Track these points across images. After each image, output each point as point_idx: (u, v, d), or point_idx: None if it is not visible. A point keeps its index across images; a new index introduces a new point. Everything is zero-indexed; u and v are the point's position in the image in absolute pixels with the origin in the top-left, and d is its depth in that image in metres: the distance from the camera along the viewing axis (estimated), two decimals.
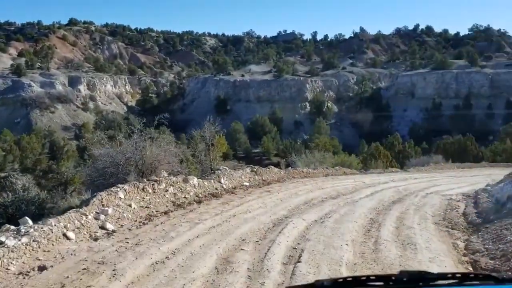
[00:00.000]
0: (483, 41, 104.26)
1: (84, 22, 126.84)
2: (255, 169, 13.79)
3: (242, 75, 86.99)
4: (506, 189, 11.41)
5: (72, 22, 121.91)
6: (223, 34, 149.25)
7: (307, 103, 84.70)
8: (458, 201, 12.91)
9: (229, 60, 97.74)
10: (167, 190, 9.16)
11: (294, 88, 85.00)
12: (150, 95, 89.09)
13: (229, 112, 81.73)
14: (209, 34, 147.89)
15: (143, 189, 8.67)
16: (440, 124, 74.48)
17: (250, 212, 8.77)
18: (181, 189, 9.56)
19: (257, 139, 72.84)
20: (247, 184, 12.18)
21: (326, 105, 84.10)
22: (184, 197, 9.32)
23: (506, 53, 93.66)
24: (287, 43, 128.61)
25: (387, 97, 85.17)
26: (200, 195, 9.76)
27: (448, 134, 55.72)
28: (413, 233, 7.94)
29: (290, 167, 16.89)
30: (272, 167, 15.00)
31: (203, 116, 76.51)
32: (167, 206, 8.57)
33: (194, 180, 10.21)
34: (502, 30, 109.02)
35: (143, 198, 8.47)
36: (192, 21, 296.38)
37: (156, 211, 8.13)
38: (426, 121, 76.89)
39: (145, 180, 9.15)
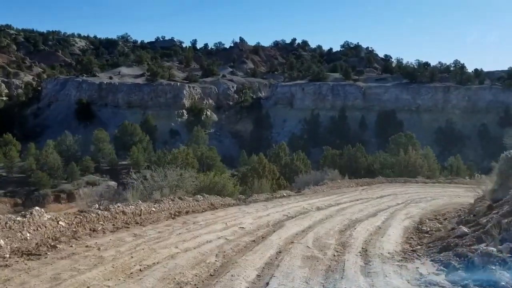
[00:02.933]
0: (354, 57, 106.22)
1: None
2: None
3: (110, 77, 75.48)
4: None
5: None
6: (95, 36, 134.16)
7: (184, 111, 76.34)
8: None
9: (95, 60, 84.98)
10: None
11: (170, 93, 76.00)
12: None
13: (94, 118, 69.79)
14: (79, 36, 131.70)
15: None
16: (318, 135, 71.82)
17: None
18: None
19: (127, 149, 62.41)
20: None
21: (205, 113, 76.57)
22: None
23: (375, 68, 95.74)
24: (165, 49, 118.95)
25: (267, 107, 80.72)
26: None
27: (326, 145, 52.01)
28: None
29: (98, 205, 8.40)
30: (24, 219, 6.34)
31: (61, 122, 63.75)
32: None
33: None
34: (370, 48, 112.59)
35: None
36: (60, 20, 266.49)
37: None
38: (305, 132, 73.50)
39: None
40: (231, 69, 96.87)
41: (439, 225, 12.64)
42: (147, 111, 72.29)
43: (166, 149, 61.43)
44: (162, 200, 9.65)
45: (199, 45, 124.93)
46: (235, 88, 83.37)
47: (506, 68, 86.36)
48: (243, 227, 8.60)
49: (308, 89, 79.90)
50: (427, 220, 13.74)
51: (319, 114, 75.93)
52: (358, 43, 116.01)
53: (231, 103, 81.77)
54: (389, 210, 14.58)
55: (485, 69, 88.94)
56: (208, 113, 76.75)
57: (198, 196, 10.76)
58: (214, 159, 33.59)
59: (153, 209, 8.77)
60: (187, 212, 9.43)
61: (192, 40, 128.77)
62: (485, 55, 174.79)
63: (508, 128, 71.90)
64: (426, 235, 10.27)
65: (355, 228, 10.05)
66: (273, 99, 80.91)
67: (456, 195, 22.49)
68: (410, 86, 79.86)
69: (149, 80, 77.41)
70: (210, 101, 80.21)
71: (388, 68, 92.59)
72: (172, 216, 8.81)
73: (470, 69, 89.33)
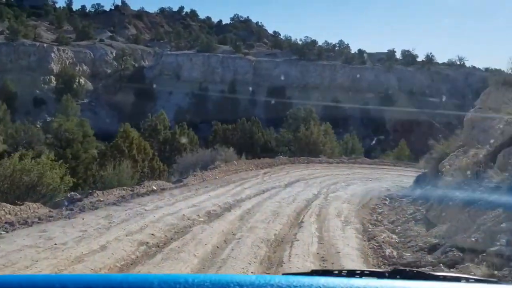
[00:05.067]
0: (244, 30, 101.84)
1: None
2: None
3: None
4: None
5: None
6: None
7: (52, 77, 64.83)
8: None
9: None
10: None
11: (34, 56, 63.84)
12: None
13: None
14: None
15: None
16: (207, 110, 66.44)
17: None
18: None
19: None
20: None
21: (77, 81, 65.84)
22: None
23: (265, 43, 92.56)
24: (34, 8, 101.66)
25: (151, 78, 72.55)
26: None
27: (215, 120, 47.16)
28: None
29: None
30: None
31: None
32: None
33: None
34: (260, 23, 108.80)
35: None
36: None
37: None
38: (192, 106, 67.40)
39: None
40: (110, 34, 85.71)
41: (396, 237, 8.20)
42: (5, 75, 59.66)
43: (29, 120, 51.21)
44: None
45: (76, 7, 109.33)
46: (114, 54, 73.39)
47: (385, 51, 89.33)
48: None
49: (196, 60, 73.51)
50: (370, 226, 9.20)
51: (208, 88, 70.32)
52: (248, 17, 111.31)
53: (109, 71, 71.95)
54: (312, 210, 9.86)
55: (367, 51, 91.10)
56: (81, 80, 66.34)
57: None
58: (76, 133, 26.14)
59: None
60: None
61: (67, 0, 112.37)
62: (366, 37, 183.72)
63: (388, 107, 74.31)
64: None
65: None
66: (157, 68, 73.05)
67: (366, 178, 19.05)
68: (299, 62, 78.00)
69: (9, 39, 64.11)
70: (85, 67, 69.52)
71: (277, 43, 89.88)
72: None
73: (353, 49, 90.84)
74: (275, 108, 66.95)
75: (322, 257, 5.86)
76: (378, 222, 9.35)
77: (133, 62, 74.05)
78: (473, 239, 5.52)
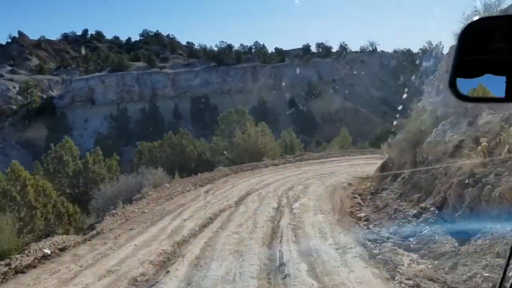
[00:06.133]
0: (156, 45, 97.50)
1: None
2: None
3: None
4: None
5: None
6: None
7: None
8: None
9: None
10: None
11: None
12: None
13: None
14: None
15: None
16: (129, 131, 61.74)
17: None
18: None
19: None
20: None
21: None
22: None
23: (180, 55, 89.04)
24: None
25: (63, 107, 66.22)
26: None
27: (140, 140, 43.10)
28: None
29: None
30: None
31: None
32: None
33: None
34: (171, 36, 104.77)
35: None
36: None
37: None
38: (113, 130, 62.29)
39: None
40: (10, 68, 77.62)
41: (424, 261, 5.55)
42: None
43: None
44: None
45: None
46: (17, 88, 66.11)
47: (301, 46, 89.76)
48: None
49: (109, 81, 68.25)
50: (371, 245, 6.58)
51: (127, 108, 65.56)
52: (157, 31, 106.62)
53: (14, 107, 64.57)
54: (285, 236, 7.11)
55: (283, 49, 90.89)
56: None
57: None
58: None
59: None
60: None
61: None
62: (280, 35, 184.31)
63: (314, 100, 74.16)
64: None
65: None
66: (68, 96, 66.81)
67: (320, 175, 16.74)
68: (219, 68, 75.66)
69: None
70: None
71: (193, 53, 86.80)
72: None
73: (270, 49, 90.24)
74: (201, 118, 64.11)
75: None
76: (377, 236, 6.71)
77: (40, 94, 67.06)
78: None
